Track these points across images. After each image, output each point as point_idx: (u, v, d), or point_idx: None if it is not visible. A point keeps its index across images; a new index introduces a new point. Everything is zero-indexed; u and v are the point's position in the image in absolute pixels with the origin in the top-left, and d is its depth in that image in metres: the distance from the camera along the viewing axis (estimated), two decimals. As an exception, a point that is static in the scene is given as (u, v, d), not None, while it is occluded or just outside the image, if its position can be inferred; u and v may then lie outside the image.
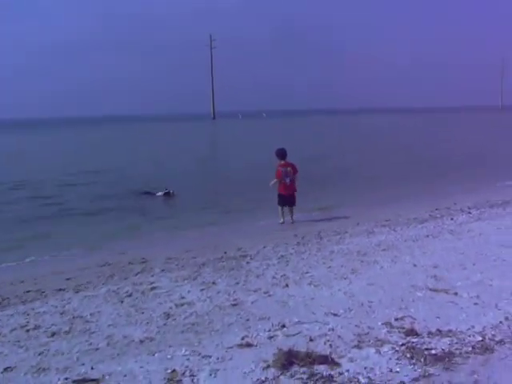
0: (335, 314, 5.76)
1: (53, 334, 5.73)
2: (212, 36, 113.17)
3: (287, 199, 12.73)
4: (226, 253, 9.17)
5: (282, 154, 12.87)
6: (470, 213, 11.69)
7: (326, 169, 24.29)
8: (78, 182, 22.92)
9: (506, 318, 5.49)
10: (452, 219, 11.07)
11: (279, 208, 12.77)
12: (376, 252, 8.47)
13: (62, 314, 6.40)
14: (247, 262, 8.30)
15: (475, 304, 5.91)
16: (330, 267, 7.68)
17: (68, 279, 8.34)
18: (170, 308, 6.31)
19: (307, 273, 7.44)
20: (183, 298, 6.66)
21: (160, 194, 18.21)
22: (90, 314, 6.29)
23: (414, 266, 7.52)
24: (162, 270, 8.22)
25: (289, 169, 12.75)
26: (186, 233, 12.31)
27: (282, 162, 12.80)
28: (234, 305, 6.28)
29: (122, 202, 17.57)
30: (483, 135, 48.16)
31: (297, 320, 5.65)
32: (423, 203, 14.19)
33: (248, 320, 5.77)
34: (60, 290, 7.61)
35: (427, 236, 9.52)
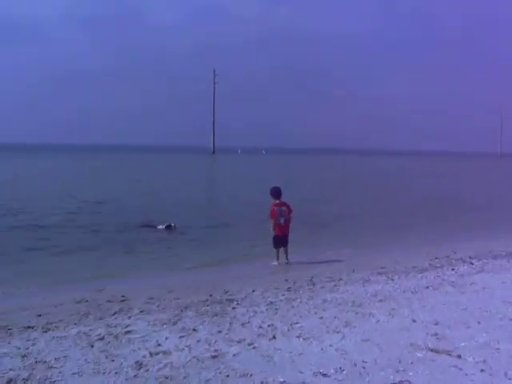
0: (325, 375, 5.17)
1: (9, 381, 5.13)
2: (215, 71, 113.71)
3: (282, 240, 12.32)
4: (211, 295, 8.56)
5: (276, 192, 12.48)
6: (472, 264, 11.10)
7: (323, 210, 23.72)
8: (74, 211, 22.25)
9: (518, 391, 4.92)
10: (453, 270, 10.48)
11: (275, 250, 12.33)
12: (372, 303, 7.87)
13: (23, 356, 5.80)
14: (233, 308, 7.68)
15: (482, 371, 5.32)
16: (321, 318, 7.07)
17: (39, 315, 7.71)
18: (144, 357, 5.70)
19: (297, 323, 6.83)
20: (159, 345, 6.06)
21: (161, 227, 17.52)
22: (55, 359, 5.68)
23: (413, 321, 6.92)
24: (141, 311, 7.60)
25: (283, 208, 12.31)
26: (174, 272, 11.71)
27: (277, 202, 12.38)
28: (214, 357, 5.67)
29: (118, 235, 16.90)
30: (485, 182, 47.87)
31: (282, 380, 5.07)
32: (421, 250, 13.63)
33: (228, 376, 5.19)
34: (28, 327, 6.99)
35: (427, 287, 8.92)
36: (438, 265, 11.14)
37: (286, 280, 9.90)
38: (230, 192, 33.56)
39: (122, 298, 8.60)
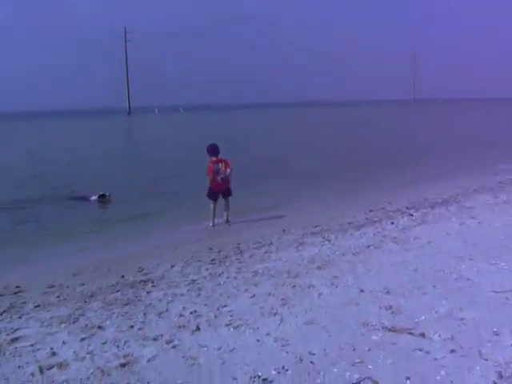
0: (265, 380, 4.06)
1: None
2: (126, 29, 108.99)
3: (218, 194, 11.46)
4: (123, 277, 7.32)
5: (212, 149, 11.50)
6: (411, 215, 10.24)
7: (255, 165, 22.35)
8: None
9: (500, 375, 3.97)
10: (393, 223, 9.57)
11: (211, 205, 11.36)
12: (310, 272, 6.82)
13: None
14: (148, 292, 6.42)
15: (452, 352, 4.36)
16: (253, 296, 5.96)
17: None
18: (32, 375, 4.42)
19: (225, 306, 5.70)
20: (54, 354, 4.78)
21: (94, 198, 15.40)
22: None
23: (361, 291, 5.91)
24: (36, 307, 6.23)
25: (221, 165, 11.31)
26: (87, 248, 10.13)
27: (214, 159, 11.37)
28: (124, 365, 4.47)
29: (42, 209, 14.52)
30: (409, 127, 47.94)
31: (210, 392, 3.92)
32: (354, 202, 12.81)
33: (141, 392, 4.00)
34: None
35: (368, 247, 7.96)
36: (376, 218, 10.24)
37: (211, 249, 8.74)
38: (150, 155, 31.75)
39: (17, 289, 7.19)
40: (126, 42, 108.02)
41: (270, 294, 5.99)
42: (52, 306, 6.19)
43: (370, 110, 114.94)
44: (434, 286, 5.94)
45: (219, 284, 6.54)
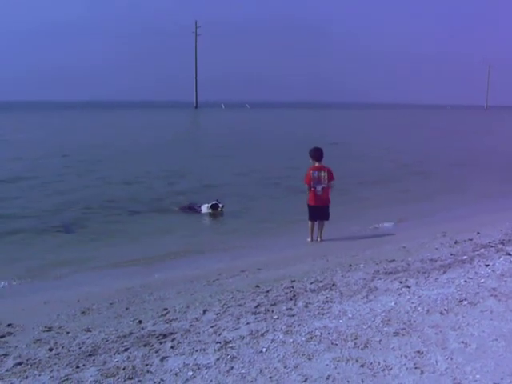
0: None
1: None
2: (197, 23, 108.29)
3: (319, 212, 10.18)
4: (140, 322, 5.77)
5: (316, 154, 10.10)
6: (509, 254, 8.24)
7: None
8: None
9: None
10: (487, 266, 7.60)
11: (309, 223, 10.39)
12: (385, 340, 5.03)
13: None
14: (163, 358, 4.73)
15: None
16: (305, 381, 4.26)
17: None
18: None
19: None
20: None
21: (205, 209, 13.36)
22: None
23: (458, 385, 4.13)
24: (16, 365, 4.72)
25: (323, 173, 9.93)
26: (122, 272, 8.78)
27: (316, 165, 10.01)
28: None
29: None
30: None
31: None
32: (436, 229, 10.84)
33: None
34: None
35: (460, 302, 6.07)
36: (464, 256, 8.25)
37: (257, 286, 7.03)
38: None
39: (6, 331, 5.71)
40: (196, 36, 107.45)
41: (328, 379, 4.27)
42: (35, 369, 4.62)
43: (454, 114, 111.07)
44: None
45: (260, 352, 4.82)
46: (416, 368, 4.46)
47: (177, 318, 5.84)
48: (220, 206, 13.19)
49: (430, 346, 4.89)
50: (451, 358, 4.63)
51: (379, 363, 4.55)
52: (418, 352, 4.76)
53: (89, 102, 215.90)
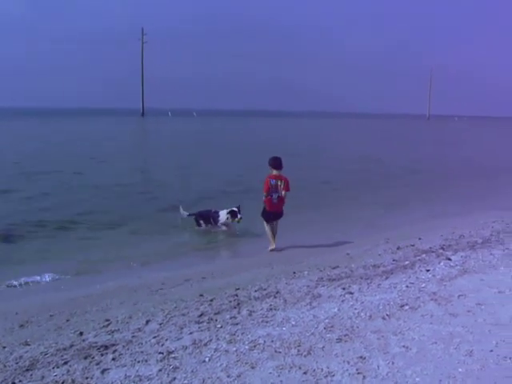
0: None
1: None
2: (143, 30, 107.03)
3: (273, 215, 10.27)
4: (81, 334, 5.61)
5: (274, 163, 10.12)
6: (449, 259, 8.42)
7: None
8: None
9: None
10: (428, 271, 7.75)
11: (267, 228, 10.39)
12: (328, 346, 5.05)
13: None
14: (104, 370, 4.63)
15: None
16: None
17: None
18: None
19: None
20: None
21: (223, 216, 12.00)
22: None
23: (404, 394, 4.18)
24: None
25: (279, 182, 9.94)
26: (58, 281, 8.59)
27: (274, 173, 10.03)
28: None
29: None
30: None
31: None
32: (380, 236, 10.99)
33: None
34: None
35: (402, 307, 6.17)
36: (406, 262, 8.38)
37: (201, 295, 6.96)
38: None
39: None
40: (142, 43, 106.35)
41: (279, 386, 4.26)
42: None
43: (397, 123, 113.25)
44: (505, 391, 4.20)
45: (203, 361, 4.76)
46: (358, 373, 4.49)
47: (119, 329, 5.73)
48: (239, 215, 11.72)
49: (372, 351, 4.95)
50: (392, 363, 4.68)
51: (322, 370, 4.56)
52: (361, 357, 4.80)
53: (32, 109, 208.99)
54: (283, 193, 9.99)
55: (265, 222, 10.31)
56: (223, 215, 11.96)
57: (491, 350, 4.91)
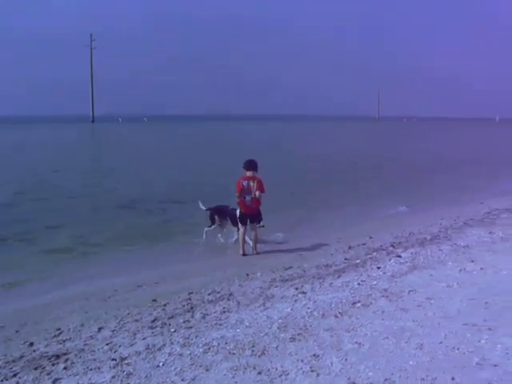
0: None
1: None
2: (92, 36, 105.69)
3: (248, 218, 10.00)
4: (31, 345, 5.51)
5: (246, 164, 9.92)
6: (399, 256, 8.60)
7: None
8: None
9: None
10: (379, 268, 7.90)
11: (239, 232, 10.15)
12: (281, 346, 5.09)
13: None
14: (55, 380, 4.56)
15: None
16: (204, 393, 4.22)
17: None
18: None
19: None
20: None
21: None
22: None
23: (351, 386, 4.23)
24: None
25: (252, 183, 9.75)
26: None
27: (247, 175, 9.82)
28: None
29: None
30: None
31: None
32: (328, 234, 11.12)
33: None
34: None
35: (354, 304, 6.26)
36: (358, 260, 8.52)
37: (154, 300, 6.92)
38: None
39: None
40: (91, 49, 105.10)
41: (228, 391, 4.26)
42: None
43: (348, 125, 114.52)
44: (453, 379, 4.30)
45: (157, 366, 4.74)
46: (312, 371, 4.53)
47: (70, 338, 5.64)
48: (262, 222, 10.24)
49: (325, 348, 5.00)
50: (345, 359, 4.74)
51: (276, 369, 4.59)
52: (314, 355, 4.84)
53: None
54: (257, 193, 9.74)
55: (239, 225, 10.09)
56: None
57: (440, 342, 5.02)
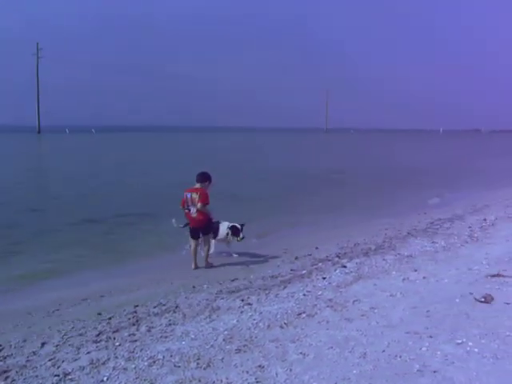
0: None
1: None
2: (39, 45, 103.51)
3: (197, 231, 9.82)
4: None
5: (197, 176, 9.75)
6: (344, 266, 8.72)
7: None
8: None
9: None
10: (324, 279, 8.00)
11: (190, 246, 9.94)
12: (227, 357, 5.09)
13: None
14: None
15: None
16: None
17: None
18: None
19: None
20: None
21: (223, 229, 10.47)
22: None
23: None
24: None
25: (194, 195, 9.49)
26: None
27: (193, 187, 9.65)
28: None
29: None
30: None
31: None
32: (278, 247, 11.17)
33: None
34: None
35: (299, 315, 6.31)
36: (304, 271, 8.62)
37: (99, 314, 6.83)
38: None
39: None
40: (38, 58, 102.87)
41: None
42: None
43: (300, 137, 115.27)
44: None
45: (101, 381, 4.67)
46: (257, 382, 4.55)
47: (12, 354, 5.51)
48: (241, 234, 10.34)
49: (270, 359, 5.03)
50: (290, 369, 4.78)
51: (221, 381, 4.59)
52: (259, 366, 4.86)
53: None
54: (199, 205, 9.45)
55: (190, 238, 9.89)
56: (223, 229, 10.44)
57: (383, 351, 5.12)
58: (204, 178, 9.71)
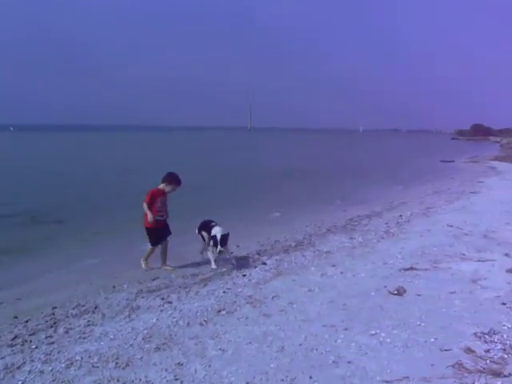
0: None
1: None
2: None
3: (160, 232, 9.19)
4: None
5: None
6: (264, 264, 8.84)
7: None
8: None
9: None
10: (244, 276, 8.10)
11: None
12: (146, 356, 5.10)
13: None
14: None
15: None
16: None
17: None
18: None
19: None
20: None
21: (217, 233, 8.81)
22: None
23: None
24: None
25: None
26: None
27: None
28: None
29: None
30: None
31: None
32: (196, 243, 11.15)
33: None
34: None
35: (219, 312, 6.38)
36: (224, 269, 8.70)
37: (16, 317, 6.65)
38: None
39: None
40: None
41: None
42: None
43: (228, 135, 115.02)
44: (311, 378, 4.53)
45: (14, 387, 4.59)
46: (176, 379, 4.59)
47: None
48: (219, 247, 8.70)
49: (189, 356, 5.07)
50: (209, 366, 4.84)
51: (140, 380, 4.60)
52: (179, 364, 4.90)
53: None
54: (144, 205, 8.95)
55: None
56: (214, 233, 8.91)
57: (300, 344, 5.26)
58: (165, 178, 9.17)
